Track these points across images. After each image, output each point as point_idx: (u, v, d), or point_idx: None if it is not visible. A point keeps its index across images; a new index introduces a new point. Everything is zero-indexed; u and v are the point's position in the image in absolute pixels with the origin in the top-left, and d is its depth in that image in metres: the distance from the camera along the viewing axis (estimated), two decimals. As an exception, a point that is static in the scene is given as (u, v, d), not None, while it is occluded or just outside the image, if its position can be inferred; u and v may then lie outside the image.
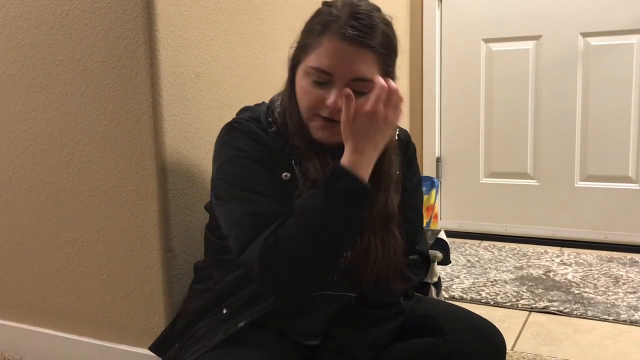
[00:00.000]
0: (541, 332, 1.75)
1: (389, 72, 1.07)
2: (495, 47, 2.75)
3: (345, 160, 1.00)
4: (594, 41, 2.57)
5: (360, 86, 1.03)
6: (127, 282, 1.46)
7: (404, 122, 2.88)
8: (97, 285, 1.51)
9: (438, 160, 2.92)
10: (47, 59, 1.46)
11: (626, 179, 2.59)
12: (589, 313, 1.85)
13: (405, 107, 2.88)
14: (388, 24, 1.07)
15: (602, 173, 2.63)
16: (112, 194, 1.43)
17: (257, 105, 1.20)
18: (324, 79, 1.03)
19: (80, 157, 1.47)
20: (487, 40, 2.77)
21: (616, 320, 1.80)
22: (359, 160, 1.00)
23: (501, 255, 2.52)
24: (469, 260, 2.46)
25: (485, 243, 2.74)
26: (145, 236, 1.40)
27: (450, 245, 1.72)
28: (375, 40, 1.02)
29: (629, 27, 2.51)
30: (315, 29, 1.04)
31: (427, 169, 2.91)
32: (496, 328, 1.15)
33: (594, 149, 2.62)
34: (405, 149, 1.24)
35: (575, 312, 1.87)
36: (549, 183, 2.73)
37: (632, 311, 1.85)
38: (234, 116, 1.18)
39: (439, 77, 2.88)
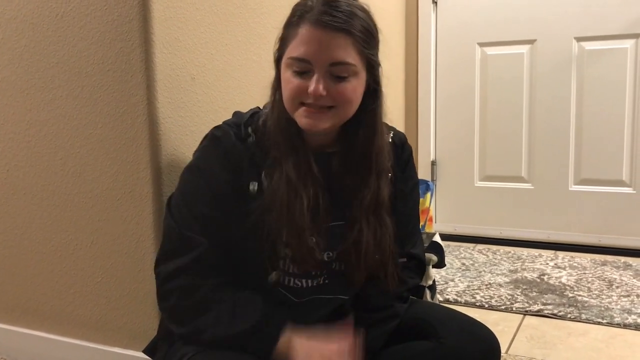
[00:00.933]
0: (535, 335, 1.75)
1: (369, 56, 1.07)
2: (490, 51, 2.76)
3: (282, 345, 1.03)
4: (588, 45, 2.59)
5: (340, 70, 1.03)
6: (122, 285, 1.45)
7: (399, 126, 2.89)
8: (91, 288, 1.50)
9: (433, 163, 2.93)
10: (42, 61, 1.46)
11: (620, 183, 2.60)
12: (583, 316, 1.86)
13: (400, 111, 2.89)
14: (364, 10, 1.07)
15: (596, 177, 2.64)
16: (106, 196, 1.43)
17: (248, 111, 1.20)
18: (303, 68, 1.03)
19: (75, 159, 1.46)
20: (482, 44, 2.78)
21: (610, 324, 1.81)
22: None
23: (496, 259, 2.52)
24: (463, 264, 2.46)
25: (480, 246, 2.74)
26: (140, 239, 1.40)
27: (445, 249, 1.72)
28: (349, 23, 1.03)
29: (623, 32, 2.52)
30: (292, 21, 1.06)
31: (422, 172, 2.92)
32: (491, 331, 1.15)
33: (588, 152, 2.64)
34: (400, 152, 1.23)
35: (569, 316, 1.87)
36: (543, 186, 2.74)
37: (625, 314, 1.86)
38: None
39: (434, 80, 2.89)
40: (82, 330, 1.54)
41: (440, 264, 1.66)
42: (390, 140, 1.19)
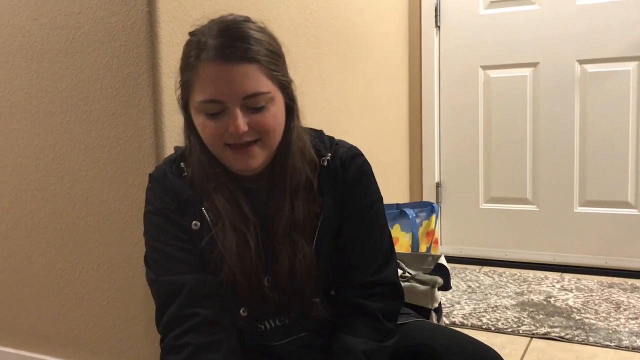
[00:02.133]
0: (543, 358, 1.74)
1: (278, 77, 1.00)
2: (493, 73, 2.78)
3: None
4: (591, 68, 2.60)
5: (255, 102, 0.97)
6: (127, 308, 1.45)
7: (403, 149, 2.90)
8: (97, 311, 1.50)
9: (438, 185, 2.93)
10: (51, 86, 1.48)
11: (625, 205, 2.60)
12: (591, 339, 1.85)
13: (404, 134, 2.91)
14: (261, 30, 1.00)
15: (601, 198, 2.64)
16: (113, 220, 1.44)
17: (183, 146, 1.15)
18: (216, 109, 0.97)
19: (82, 183, 1.47)
20: (485, 67, 2.80)
21: (618, 347, 1.79)
22: None
23: (502, 281, 2.51)
24: (469, 286, 2.45)
25: (486, 268, 2.73)
26: (146, 262, 1.40)
27: (450, 271, 1.72)
28: (252, 50, 0.96)
29: (625, 54, 2.54)
30: (190, 62, 0.99)
31: (427, 194, 2.92)
32: (498, 354, 1.14)
33: (592, 174, 2.64)
34: (342, 171, 1.10)
35: (576, 338, 1.86)
36: (548, 208, 2.73)
37: (634, 337, 1.84)
38: None
39: (438, 104, 2.91)
40: (87, 354, 1.53)
41: (446, 287, 1.66)
42: (325, 163, 1.09)
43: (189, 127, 1.05)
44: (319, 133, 1.15)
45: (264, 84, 0.97)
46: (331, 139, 1.15)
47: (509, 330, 1.95)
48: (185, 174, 1.07)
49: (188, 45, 1.01)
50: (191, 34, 1.02)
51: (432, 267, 1.70)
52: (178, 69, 1.03)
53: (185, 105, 1.04)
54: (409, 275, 1.58)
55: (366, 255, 1.12)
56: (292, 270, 1.05)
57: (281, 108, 1.03)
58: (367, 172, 1.13)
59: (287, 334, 1.12)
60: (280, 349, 1.11)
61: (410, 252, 2.24)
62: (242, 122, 0.96)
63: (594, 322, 1.99)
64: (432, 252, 2.44)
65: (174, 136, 1.38)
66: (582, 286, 2.41)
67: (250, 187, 1.08)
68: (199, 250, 1.05)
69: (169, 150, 1.36)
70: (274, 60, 1.00)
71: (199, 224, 1.05)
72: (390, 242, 1.17)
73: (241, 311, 1.08)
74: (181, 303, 1.02)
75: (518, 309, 2.14)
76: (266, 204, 1.08)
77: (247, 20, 1.01)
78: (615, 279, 2.50)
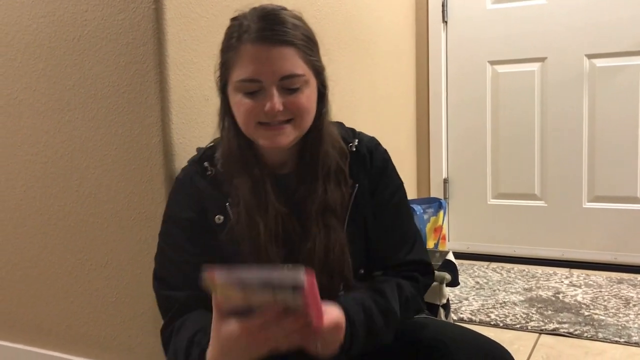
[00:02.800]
0: (551, 354, 1.73)
1: (314, 62, 1.07)
2: (501, 68, 2.77)
3: (210, 356, 0.93)
4: (600, 63, 2.59)
5: (290, 83, 1.03)
6: (136, 305, 1.46)
7: (411, 144, 2.90)
8: (105, 308, 1.51)
9: (445, 181, 2.92)
10: (58, 84, 1.49)
11: (634, 200, 2.58)
12: (600, 335, 1.84)
13: (412, 130, 2.90)
14: (299, 18, 1.07)
15: (610, 194, 2.62)
16: (121, 217, 1.44)
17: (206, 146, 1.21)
18: (254, 88, 1.03)
19: (90, 181, 1.48)
20: (492, 62, 2.79)
21: (627, 343, 1.78)
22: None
23: (510, 277, 2.50)
24: (477, 282, 2.45)
25: (494, 264, 2.72)
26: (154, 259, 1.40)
27: (458, 267, 1.72)
28: (290, 34, 1.03)
29: (635, 49, 2.52)
30: (231, 44, 1.06)
31: (435, 190, 2.92)
32: (506, 351, 1.13)
33: (601, 170, 2.62)
34: (369, 160, 1.16)
35: (585, 334, 1.85)
36: (556, 204, 2.72)
37: (643, 333, 1.84)
38: None
39: (445, 99, 2.90)
40: (96, 350, 1.54)
41: (454, 283, 1.66)
42: (354, 148, 1.15)
43: (225, 109, 1.11)
44: (340, 123, 1.21)
45: (300, 67, 1.03)
46: (352, 129, 1.20)
47: (518, 326, 1.94)
48: (209, 172, 1.12)
49: (230, 28, 1.08)
50: (233, 19, 1.08)
51: (440, 264, 1.70)
52: (218, 51, 1.09)
53: (223, 87, 1.09)
54: (417, 271, 1.58)
55: (396, 239, 1.17)
56: (327, 250, 1.08)
57: (314, 92, 1.08)
58: (389, 160, 1.21)
59: None
60: None
61: (418, 248, 2.23)
62: (277, 101, 1.02)
63: (603, 318, 1.99)
64: (440, 249, 2.44)
65: (181, 133, 1.38)
66: (591, 282, 2.39)
67: (279, 174, 1.12)
68: (221, 244, 1.08)
69: (177, 148, 1.37)
70: (309, 45, 1.06)
71: (222, 217, 1.09)
72: (414, 223, 1.23)
73: None
74: (173, 317, 1.08)
75: (526, 305, 2.13)
76: (296, 190, 1.11)
77: (285, 9, 1.08)
78: (625, 275, 2.49)
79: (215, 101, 1.47)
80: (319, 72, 1.09)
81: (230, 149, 1.10)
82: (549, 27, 2.66)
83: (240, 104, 1.05)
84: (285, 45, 1.02)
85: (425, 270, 1.20)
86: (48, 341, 1.62)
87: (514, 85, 2.75)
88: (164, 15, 1.32)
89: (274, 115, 1.02)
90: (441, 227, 2.44)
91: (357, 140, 1.17)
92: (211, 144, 1.18)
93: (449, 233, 2.94)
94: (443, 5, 2.84)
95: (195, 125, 1.42)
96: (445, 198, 2.90)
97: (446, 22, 2.86)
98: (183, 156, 1.39)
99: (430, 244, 2.34)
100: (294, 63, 1.03)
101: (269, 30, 1.01)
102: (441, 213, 2.42)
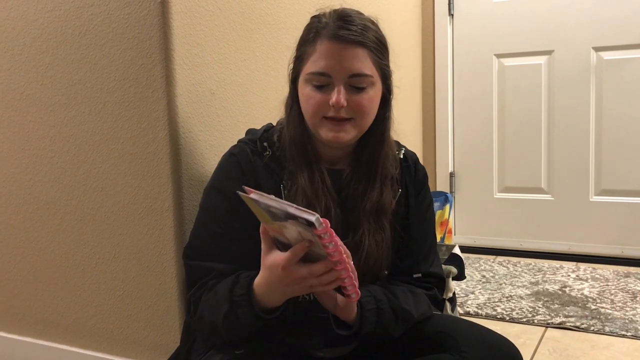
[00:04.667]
0: (558, 348, 1.73)
1: (383, 66, 1.13)
2: (507, 62, 2.76)
3: (257, 282, 1.02)
4: (607, 55, 2.57)
5: (359, 81, 1.09)
6: (143, 298, 1.47)
7: (417, 138, 2.89)
8: (113, 301, 1.52)
9: (451, 175, 2.92)
10: (65, 78, 1.49)
11: (642, 193, 2.57)
12: (607, 329, 1.84)
13: (418, 123, 2.89)
14: (374, 23, 1.14)
15: (616, 187, 2.61)
16: (128, 210, 1.45)
17: (262, 128, 1.25)
18: (323, 82, 1.09)
19: (97, 175, 1.49)
20: (499, 56, 2.77)
21: (634, 336, 1.78)
22: (267, 292, 1.01)
23: (516, 271, 2.50)
24: (483, 276, 2.44)
25: (500, 258, 2.72)
26: (161, 252, 1.41)
27: (464, 261, 1.72)
28: (364, 36, 1.08)
29: (642, 41, 2.51)
30: (309, 39, 1.11)
31: (441, 184, 2.91)
32: (513, 344, 1.14)
33: (608, 163, 2.61)
34: (414, 170, 1.25)
35: (592, 328, 1.85)
36: (563, 198, 2.71)
37: (650, 327, 1.83)
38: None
39: (452, 92, 2.89)
40: (103, 344, 1.55)
41: (460, 277, 1.66)
42: (401, 156, 1.23)
43: (292, 99, 1.16)
44: None
45: (369, 68, 1.09)
46: (396, 140, 1.26)
47: (524, 320, 1.94)
48: (267, 152, 1.16)
49: (309, 24, 1.14)
50: (314, 16, 1.15)
51: (446, 257, 1.70)
52: (295, 46, 1.15)
53: (295, 78, 1.15)
54: (423, 265, 1.58)
55: (424, 250, 1.24)
56: (375, 246, 1.13)
57: (378, 95, 1.13)
58: (427, 175, 1.29)
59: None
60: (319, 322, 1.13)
61: (424, 242, 2.23)
62: (343, 97, 1.07)
63: (610, 311, 1.98)
64: (446, 242, 2.44)
65: (187, 127, 1.38)
66: (597, 276, 2.39)
67: (330, 169, 1.16)
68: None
69: (183, 141, 1.37)
70: (380, 49, 1.12)
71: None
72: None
73: None
74: (205, 282, 1.10)
75: (533, 299, 2.13)
76: (347, 186, 1.16)
77: (362, 13, 1.14)
78: (632, 269, 2.48)
79: (220, 95, 1.48)
80: (386, 77, 1.14)
81: (293, 136, 1.14)
82: (555, 19, 2.64)
83: (309, 95, 1.10)
84: (358, 45, 1.08)
85: (439, 285, 1.28)
86: (56, 334, 1.63)
87: (520, 78, 2.74)
88: (170, 9, 1.32)
89: (338, 109, 1.08)
90: (447, 221, 2.44)
91: (403, 149, 1.25)
92: (267, 127, 1.22)
93: (455, 227, 2.93)
94: (449, -2, 2.82)
95: (202, 118, 1.42)
96: (451, 192, 2.89)
97: (452, 15, 2.85)
98: (189, 150, 1.39)
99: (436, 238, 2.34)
100: (364, 63, 1.08)
101: (345, 30, 1.07)
102: (447, 207, 2.42)
